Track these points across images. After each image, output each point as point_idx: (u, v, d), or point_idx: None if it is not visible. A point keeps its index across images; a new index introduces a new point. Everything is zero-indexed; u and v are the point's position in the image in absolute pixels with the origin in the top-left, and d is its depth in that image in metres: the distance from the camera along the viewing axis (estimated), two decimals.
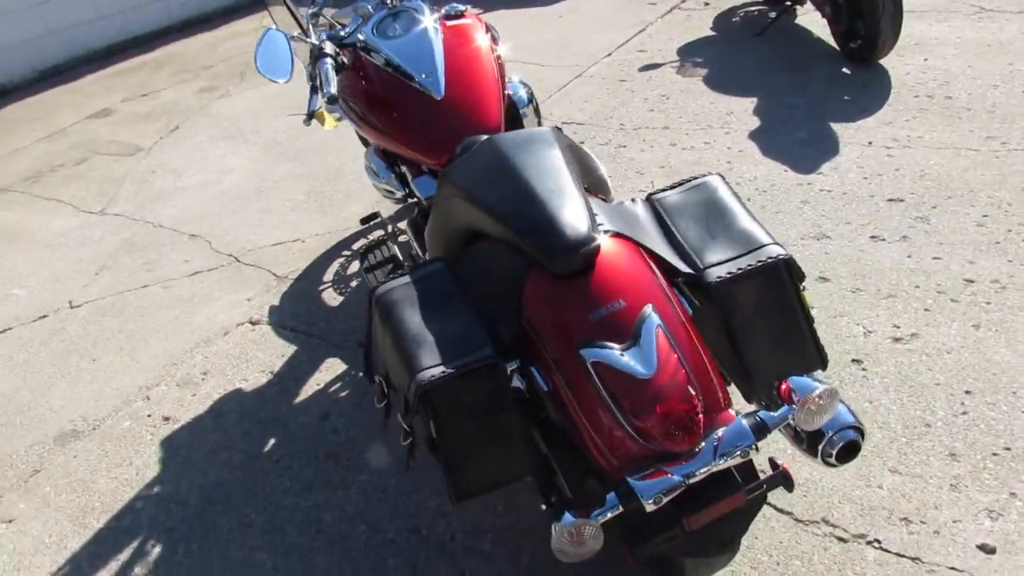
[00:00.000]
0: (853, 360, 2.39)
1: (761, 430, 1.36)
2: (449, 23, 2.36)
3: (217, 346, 2.89)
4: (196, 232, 3.70)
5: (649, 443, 1.33)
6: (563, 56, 5.11)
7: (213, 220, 3.78)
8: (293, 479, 2.27)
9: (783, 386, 1.41)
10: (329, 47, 2.17)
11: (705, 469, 1.32)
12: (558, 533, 1.30)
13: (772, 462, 1.47)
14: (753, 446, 1.34)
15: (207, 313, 3.10)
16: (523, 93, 2.52)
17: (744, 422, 1.37)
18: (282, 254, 3.42)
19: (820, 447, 1.54)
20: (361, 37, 2.32)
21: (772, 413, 1.39)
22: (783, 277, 1.50)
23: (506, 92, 2.36)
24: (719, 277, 1.49)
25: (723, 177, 1.76)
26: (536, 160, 1.62)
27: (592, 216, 1.50)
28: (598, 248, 1.46)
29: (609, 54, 5.02)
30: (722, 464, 1.33)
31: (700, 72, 4.58)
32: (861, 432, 1.55)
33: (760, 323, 1.51)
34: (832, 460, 1.55)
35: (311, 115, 2.17)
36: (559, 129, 1.85)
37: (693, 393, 1.34)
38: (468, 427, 1.46)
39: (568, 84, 4.68)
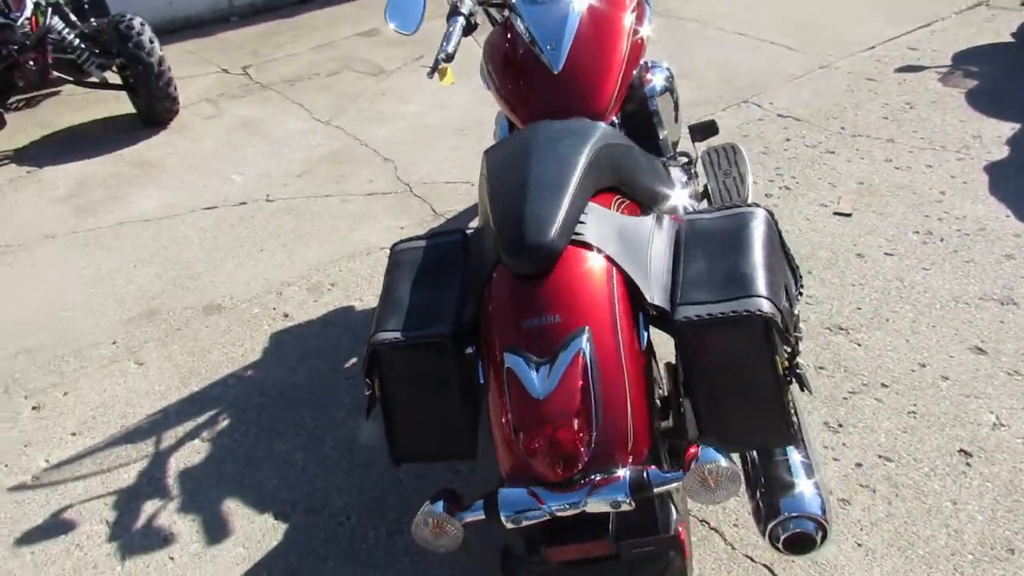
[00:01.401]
0: (961, 451, 2.03)
1: (640, 488, 1.24)
2: None
3: (354, 263, 3.14)
4: (390, 157, 3.99)
5: (531, 462, 1.27)
6: (815, 41, 4.66)
7: (408, 148, 4.04)
8: (353, 398, 2.45)
9: (691, 449, 1.27)
10: (466, 5, 2.20)
11: (569, 506, 1.24)
12: (420, 516, 1.30)
13: (676, 524, 1.33)
14: (628, 501, 1.23)
15: (363, 232, 3.36)
16: (658, 80, 2.37)
17: (630, 474, 1.25)
18: (449, 193, 3.58)
19: (770, 525, 1.37)
20: None
21: (663, 474, 1.26)
22: (756, 334, 1.32)
23: (631, 75, 2.24)
24: (686, 317, 1.36)
25: (770, 213, 1.56)
26: (552, 154, 1.55)
27: (569, 221, 1.41)
28: (556, 255, 1.38)
29: (872, 47, 4.50)
30: (592, 508, 1.24)
31: (967, 84, 3.96)
32: (823, 530, 1.35)
33: (721, 378, 1.36)
34: (779, 545, 1.37)
35: (434, 68, 2.23)
36: (615, 125, 1.73)
37: (579, 426, 1.25)
38: (409, 395, 1.49)
39: (806, 74, 4.29)
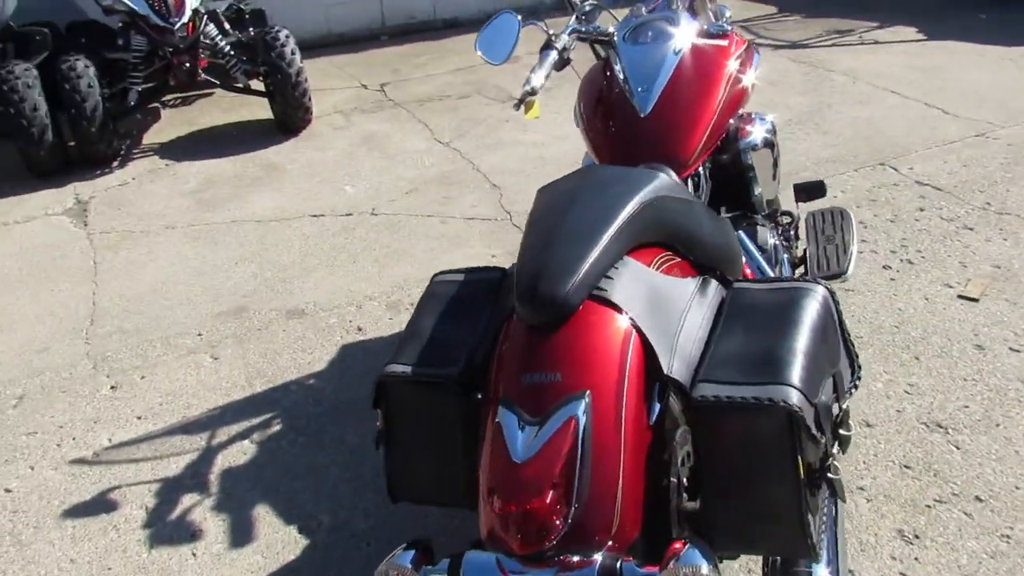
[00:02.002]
0: None
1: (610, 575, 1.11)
2: (701, 41, 2.18)
3: None
4: (498, 183, 3.97)
5: (499, 529, 1.17)
6: (976, 107, 4.28)
7: (518, 177, 4.01)
8: None
9: (675, 544, 1.12)
10: (561, 40, 2.15)
11: None
12: (384, 565, 1.22)
13: None
14: None
15: (455, 255, 3.35)
16: (757, 134, 2.20)
17: (602, 561, 1.12)
18: None
19: None
20: (613, 35, 2.26)
21: (637, 568, 1.12)
22: (777, 428, 1.16)
23: (724, 125, 2.10)
24: (702, 396, 1.21)
25: (831, 293, 1.39)
26: (595, 201, 1.44)
27: (592, 276, 1.29)
28: (569, 309, 1.26)
29: None
30: None
31: None
32: None
33: (735, 470, 1.21)
34: None
35: (521, 100, 2.19)
36: (699, 177, 1.60)
37: (556, 498, 1.13)
38: (412, 434, 1.43)
39: (957, 140, 3.93)
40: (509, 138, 4.50)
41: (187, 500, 2.20)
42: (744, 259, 2.06)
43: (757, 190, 2.24)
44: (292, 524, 2.10)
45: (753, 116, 2.29)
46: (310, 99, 4.66)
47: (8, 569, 2.03)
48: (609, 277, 1.34)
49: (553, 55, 2.10)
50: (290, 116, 4.67)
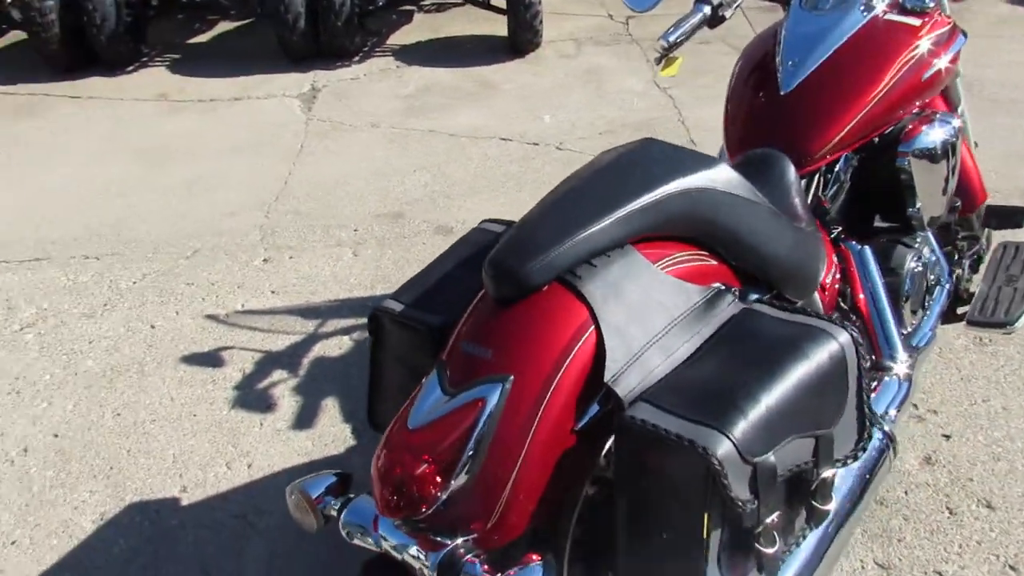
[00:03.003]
0: None
1: (445, 569, 1.05)
2: (893, 16, 1.85)
3: None
4: (697, 140, 3.75)
5: (376, 486, 1.15)
6: None
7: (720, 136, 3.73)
8: None
9: (530, 556, 1.04)
10: None
11: (390, 545, 1.11)
12: (291, 487, 1.26)
13: None
14: (432, 572, 1.06)
15: None
16: (929, 137, 1.82)
17: (449, 551, 1.06)
18: None
19: None
20: None
21: (477, 569, 1.04)
22: (690, 475, 1.02)
23: (884, 118, 1.78)
24: (630, 416, 1.08)
25: (857, 346, 1.16)
26: (618, 179, 1.28)
27: (565, 259, 1.16)
28: (525, 288, 1.16)
29: None
30: (407, 560, 1.09)
31: None
32: None
33: (641, 506, 1.08)
34: None
35: (660, 56, 2.02)
36: (741, 179, 1.38)
37: (434, 473, 1.08)
38: (392, 370, 1.45)
39: None
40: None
41: (276, 375, 2.41)
42: (859, 282, 1.77)
43: (915, 204, 1.89)
44: (348, 423, 2.23)
45: (936, 114, 1.91)
46: (540, 22, 4.64)
47: (125, 391, 2.38)
48: (592, 264, 1.21)
49: (705, 10, 1.91)
50: (519, 37, 4.69)
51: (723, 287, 1.30)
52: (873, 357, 1.73)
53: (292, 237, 3.12)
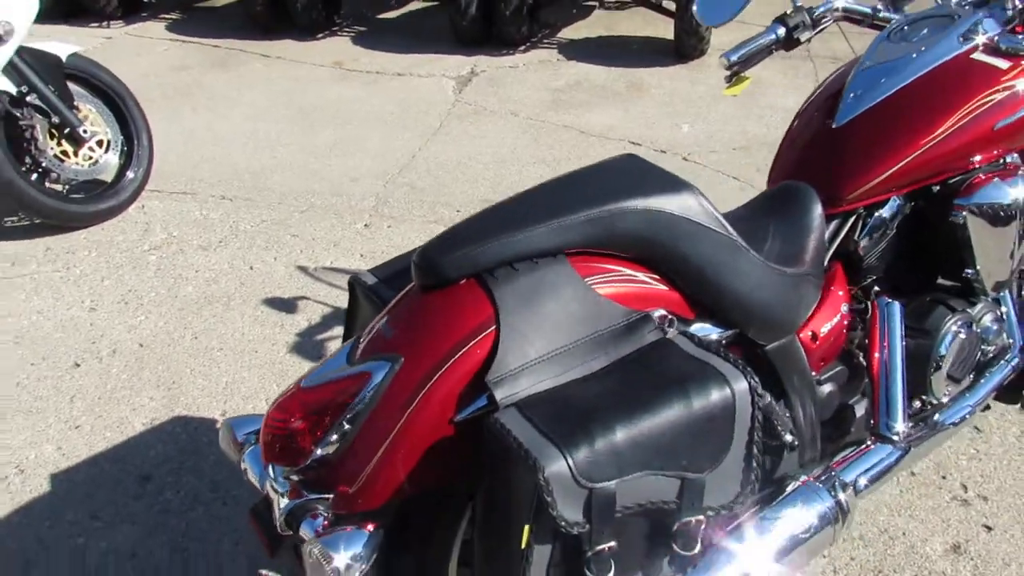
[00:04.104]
0: None
1: (289, 516, 1.14)
2: (981, 56, 1.68)
3: None
4: None
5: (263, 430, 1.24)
6: None
7: None
8: None
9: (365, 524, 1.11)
10: (796, 17, 1.84)
11: (258, 481, 1.22)
12: (223, 420, 1.38)
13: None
14: (280, 522, 1.15)
15: None
16: (992, 193, 1.63)
17: (300, 503, 1.13)
18: None
19: None
20: (887, 23, 1.87)
21: (315, 522, 1.13)
22: (521, 487, 1.05)
23: (938, 165, 1.62)
24: (494, 419, 1.10)
25: (754, 396, 1.11)
26: (579, 187, 1.29)
27: (486, 257, 1.17)
28: (438, 279, 1.19)
29: None
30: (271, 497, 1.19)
31: None
32: None
33: (484, 507, 1.13)
34: None
35: (731, 75, 1.96)
36: (712, 212, 1.32)
37: (307, 430, 1.15)
38: (359, 332, 1.55)
39: None
40: None
41: (335, 331, 2.58)
42: (878, 339, 1.63)
43: (975, 266, 1.70)
44: None
45: (1019, 169, 1.71)
46: (707, 28, 4.51)
47: (208, 319, 2.66)
48: (514, 268, 1.23)
49: (778, 32, 1.85)
50: (684, 42, 4.59)
51: (650, 313, 1.26)
52: (872, 421, 1.59)
53: (399, 208, 3.30)
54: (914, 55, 1.71)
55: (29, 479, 2.07)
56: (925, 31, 1.77)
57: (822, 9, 1.87)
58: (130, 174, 3.25)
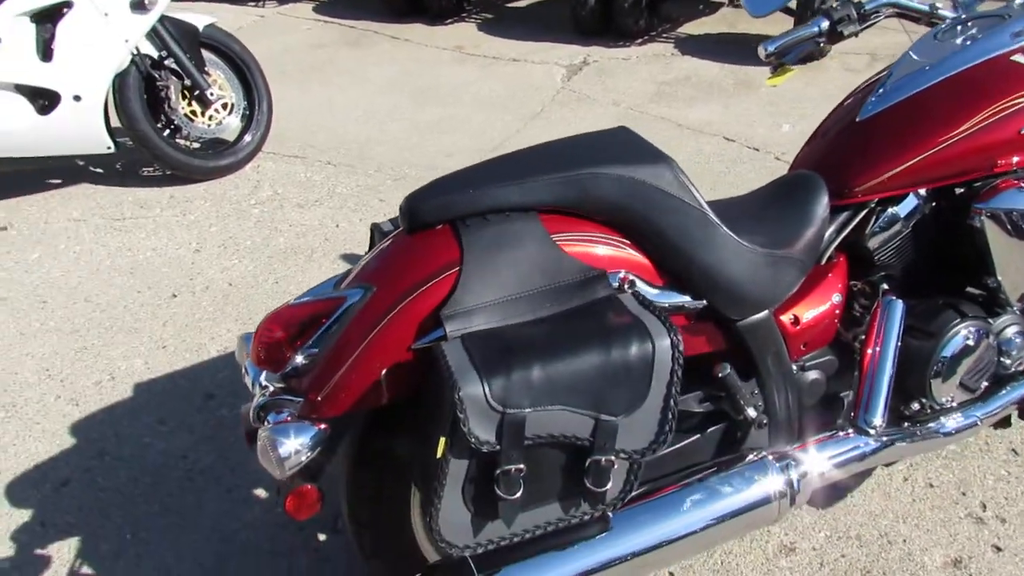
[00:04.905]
0: None
1: (258, 410, 1.29)
2: (1021, 58, 1.64)
3: None
4: None
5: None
6: None
7: None
8: None
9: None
10: (842, 10, 1.84)
11: (251, 379, 1.36)
12: (242, 335, 1.56)
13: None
14: (250, 414, 1.31)
15: None
16: (1016, 198, 1.58)
17: (265, 399, 1.30)
18: None
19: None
20: (939, 21, 1.85)
21: (277, 416, 1.27)
22: (443, 399, 1.16)
23: (962, 169, 1.60)
24: (436, 338, 1.24)
25: (676, 352, 1.19)
26: (567, 151, 1.39)
27: (462, 206, 1.29)
28: (415, 222, 1.32)
29: None
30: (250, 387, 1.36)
31: None
32: None
33: (421, 417, 1.26)
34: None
35: (775, 65, 1.97)
36: (685, 183, 1.38)
37: (285, 338, 1.32)
38: None
39: None
40: None
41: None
42: (874, 335, 1.62)
43: (996, 276, 1.66)
44: None
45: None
46: None
47: (291, 268, 2.93)
48: (486, 219, 1.35)
49: (822, 25, 1.86)
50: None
51: (606, 272, 1.34)
52: (852, 413, 1.59)
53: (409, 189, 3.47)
54: (953, 54, 1.68)
55: (118, 385, 2.40)
56: (973, 31, 1.74)
57: (874, 5, 1.86)
58: (248, 136, 3.60)
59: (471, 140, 3.87)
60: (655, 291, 1.39)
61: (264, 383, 1.37)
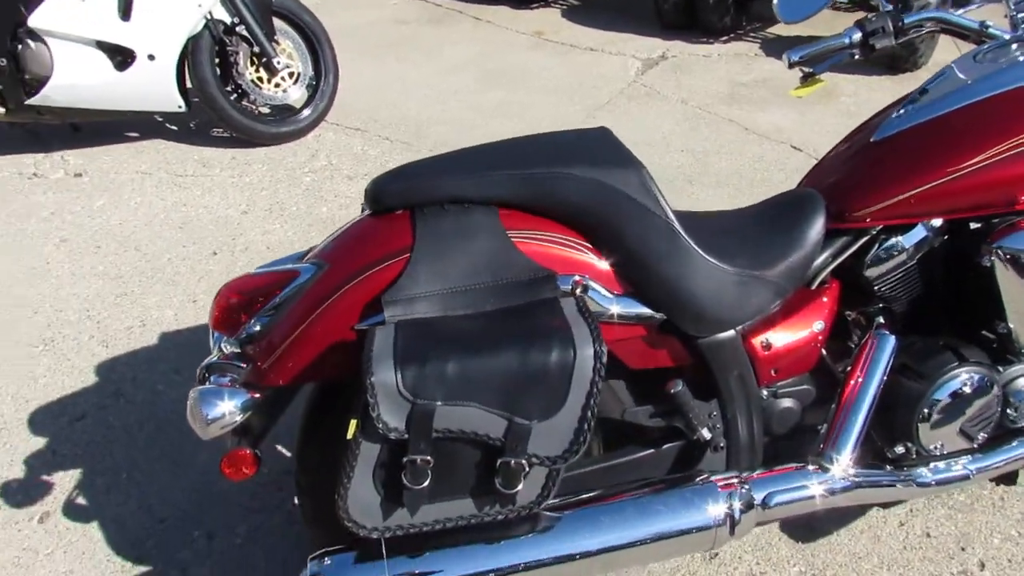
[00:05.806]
0: None
1: (205, 371, 1.34)
2: None
3: None
4: None
5: None
6: None
7: None
8: None
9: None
10: (875, 22, 1.75)
11: (212, 348, 1.41)
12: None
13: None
14: (200, 373, 1.35)
15: None
16: None
17: (214, 360, 1.35)
18: None
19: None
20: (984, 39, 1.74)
21: (219, 381, 1.32)
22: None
23: (975, 202, 1.50)
24: (370, 319, 1.25)
25: (598, 362, 1.17)
26: (540, 151, 1.39)
27: (422, 193, 1.31)
28: (377, 204, 1.35)
29: None
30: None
31: None
32: None
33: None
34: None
35: (805, 75, 1.89)
36: (650, 188, 1.34)
37: (240, 305, 1.37)
38: None
39: None
40: None
41: None
42: (857, 369, 1.55)
43: (1008, 322, 1.55)
44: None
45: None
46: (923, 40, 4.14)
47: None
48: (444, 208, 1.36)
49: (854, 36, 1.78)
50: (897, 52, 4.25)
51: (555, 274, 1.31)
52: (820, 447, 1.52)
53: None
54: (985, 77, 1.58)
55: (147, 332, 2.53)
56: (1017, 54, 1.62)
57: (915, 18, 1.76)
58: (312, 106, 3.70)
59: (529, 126, 3.86)
60: (612, 298, 1.37)
61: (224, 347, 1.43)
